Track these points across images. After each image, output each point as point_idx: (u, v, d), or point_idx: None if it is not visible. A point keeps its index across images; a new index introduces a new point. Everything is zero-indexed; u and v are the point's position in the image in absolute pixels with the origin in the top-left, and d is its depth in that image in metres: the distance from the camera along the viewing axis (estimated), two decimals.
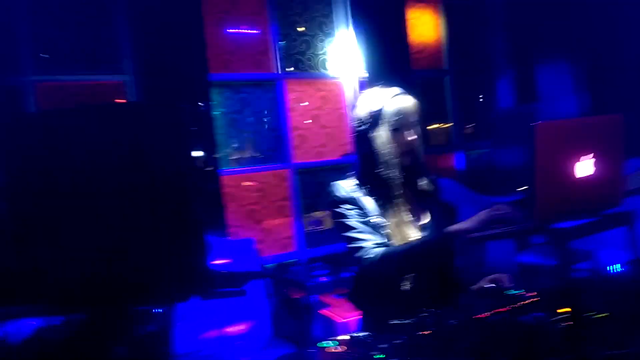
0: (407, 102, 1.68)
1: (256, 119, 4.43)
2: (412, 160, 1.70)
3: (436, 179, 1.86)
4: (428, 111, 5.09)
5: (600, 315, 1.27)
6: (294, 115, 4.56)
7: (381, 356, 1.20)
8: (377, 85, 1.76)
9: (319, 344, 1.36)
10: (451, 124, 5.45)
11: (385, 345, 1.25)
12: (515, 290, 1.55)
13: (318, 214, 4.67)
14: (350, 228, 1.63)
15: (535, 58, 5.22)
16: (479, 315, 1.20)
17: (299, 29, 4.66)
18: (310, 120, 4.65)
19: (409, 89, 1.75)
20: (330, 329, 3.60)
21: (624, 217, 1.27)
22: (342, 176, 1.78)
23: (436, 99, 5.42)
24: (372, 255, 1.55)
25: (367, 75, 4.56)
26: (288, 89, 4.52)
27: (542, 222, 1.20)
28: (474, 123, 5.69)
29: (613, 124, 1.21)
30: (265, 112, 4.47)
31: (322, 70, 4.73)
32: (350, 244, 1.62)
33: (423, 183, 1.77)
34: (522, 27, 5.29)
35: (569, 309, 1.24)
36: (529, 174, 1.20)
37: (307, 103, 4.64)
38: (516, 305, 1.27)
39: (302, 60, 4.66)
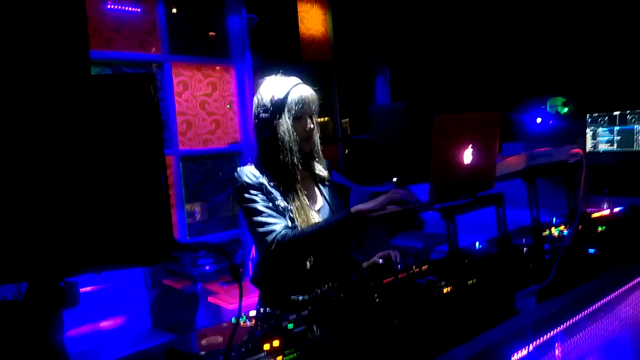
0: (307, 92, 1.77)
1: None
2: (310, 147, 1.81)
3: (330, 165, 2.00)
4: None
5: (471, 282, 1.52)
6: (180, 101, 4.45)
7: (291, 326, 1.30)
8: (278, 74, 1.83)
9: (232, 319, 1.41)
10: (329, 117, 5.72)
11: (294, 316, 1.35)
12: (401, 265, 1.76)
13: (199, 205, 4.62)
14: (259, 212, 1.69)
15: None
16: (387, 280, 1.37)
17: (189, 11, 4.54)
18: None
19: (299, 77, 1.85)
20: (219, 315, 3.61)
21: (494, 198, 1.53)
22: (232, 163, 1.82)
23: (323, 91, 5.64)
24: (281, 238, 1.63)
25: (258, 63, 4.60)
26: (174, 73, 4.39)
27: (434, 202, 1.39)
28: (354, 116, 6.04)
29: (493, 118, 1.46)
30: None
31: (213, 56, 4.67)
32: (258, 228, 1.68)
33: (320, 169, 1.90)
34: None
35: (450, 277, 1.46)
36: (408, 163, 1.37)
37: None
38: (413, 272, 1.46)
39: (191, 44, 4.54)
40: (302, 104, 1.73)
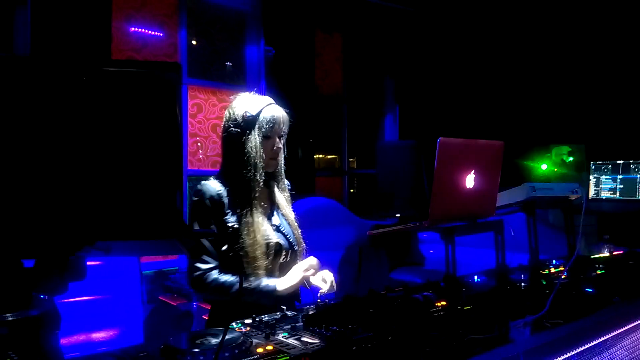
0: (280, 112, 1.78)
1: None
2: (275, 166, 1.81)
3: (292, 186, 1.97)
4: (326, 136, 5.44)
5: (467, 307, 1.53)
6: (193, 122, 4.56)
7: (285, 334, 1.32)
8: (252, 91, 1.83)
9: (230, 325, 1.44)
10: (337, 154, 5.81)
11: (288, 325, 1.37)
12: None
13: None
14: (202, 233, 1.69)
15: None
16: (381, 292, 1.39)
17: (210, 39, 4.71)
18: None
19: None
20: None
21: (494, 224, 1.56)
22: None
23: (334, 125, 5.75)
24: (203, 279, 1.69)
25: (273, 91, 4.71)
26: (190, 95, 4.51)
27: (434, 222, 1.42)
28: (362, 151, 6.12)
29: (497, 147, 1.50)
30: None
31: (228, 82, 4.80)
32: (191, 256, 1.70)
33: (282, 188, 1.90)
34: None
35: (444, 302, 1.47)
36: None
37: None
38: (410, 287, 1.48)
39: (209, 69, 4.69)
40: (273, 123, 1.73)
